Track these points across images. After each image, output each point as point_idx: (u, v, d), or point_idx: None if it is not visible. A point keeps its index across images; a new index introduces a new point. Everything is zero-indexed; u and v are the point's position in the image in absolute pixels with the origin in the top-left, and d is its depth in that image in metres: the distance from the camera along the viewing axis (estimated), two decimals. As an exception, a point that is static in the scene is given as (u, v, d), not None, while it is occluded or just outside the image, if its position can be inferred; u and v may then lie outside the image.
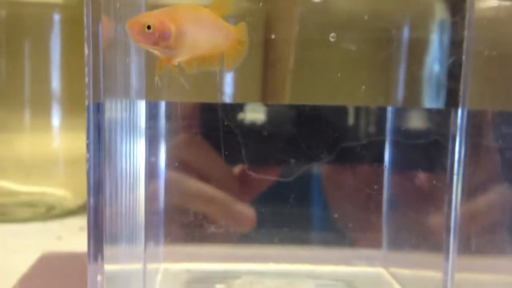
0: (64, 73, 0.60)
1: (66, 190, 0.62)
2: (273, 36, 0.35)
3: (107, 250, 0.27)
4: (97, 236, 0.27)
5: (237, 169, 0.39)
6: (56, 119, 0.61)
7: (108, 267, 0.28)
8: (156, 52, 0.27)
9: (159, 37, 0.25)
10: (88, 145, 0.25)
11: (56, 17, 0.60)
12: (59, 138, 0.62)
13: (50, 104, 0.60)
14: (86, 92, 0.24)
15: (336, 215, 0.40)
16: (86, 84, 0.24)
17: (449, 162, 0.32)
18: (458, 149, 0.32)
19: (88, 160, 0.25)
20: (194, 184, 0.38)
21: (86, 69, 0.23)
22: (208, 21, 0.28)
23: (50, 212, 0.60)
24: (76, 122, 0.61)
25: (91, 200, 0.26)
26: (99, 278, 0.28)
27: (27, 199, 0.60)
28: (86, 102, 0.24)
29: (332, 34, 0.33)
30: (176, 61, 0.28)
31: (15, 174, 0.60)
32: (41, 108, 0.61)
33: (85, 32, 0.23)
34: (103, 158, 0.25)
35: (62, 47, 0.60)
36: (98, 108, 0.25)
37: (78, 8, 0.59)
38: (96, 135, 0.25)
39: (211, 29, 0.28)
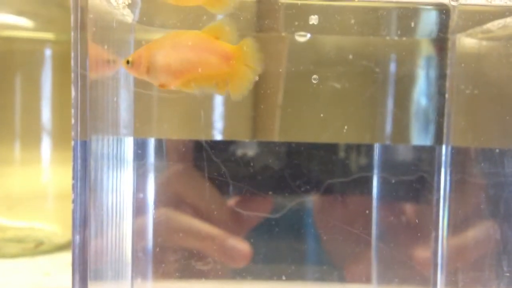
0: (54, 108, 0.61)
1: (55, 225, 0.61)
2: (257, 78, 0.36)
3: (92, 287, 0.27)
4: (82, 273, 0.27)
5: (226, 205, 0.39)
6: (46, 153, 0.61)
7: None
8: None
9: (137, 69, 0.28)
10: (73, 183, 0.25)
11: (48, 52, 0.60)
12: (49, 172, 0.61)
13: (40, 138, 0.60)
14: (72, 133, 0.24)
15: (325, 250, 0.40)
16: (73, 125, 0.24)
17: (434, 197, 0.32)
18: (443, 185, 0.32)
19: (73, 197, 0.25)
20: (185, 220, 0.38)
21: (72, 111, 0.23)
22: (195, 44, 0.28)
23: (39, 247, 0.60)
24: (66, 157, 0.60)
25: (76, 237, 0.26)
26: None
27: (15, 234, 0.60)
28: (72, 142, 0.24)
29: (315, 76, 0.33)
30: (170, 86, 0.28)
31: (3, 209, 0.60)
32: (31, 142, 0.60)
33: (72, 74, 0.23)
34: (89, 195, 0.25)
35: (53, 82, 0.60)
36: (85, 146, 0.25)
37: (69, 44, 0.60)
38: (82, 172, 0.25)
39: (199, 51, 0.28)
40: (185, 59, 0.28)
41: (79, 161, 0.25)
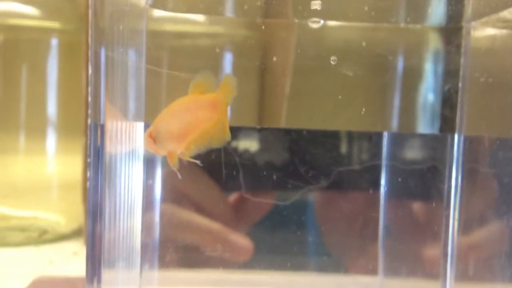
0: (60, 98, 0.60)
1: (59, 214, 0.61)
2: (274, 58, 0.36)
3: (105, 274, 0.27)
4: (95, 258, 0.27)
5: (235, 195, 0.39)
6: (51, 144, 0.61)
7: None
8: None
9: (148, 143, 0.30)
10: (89, 165, 0.25)
11: (54, 42, 0.60)
12: (54, 163, 0.61)
13: (46, 128, 0.60)
14: (89, 111, 0.24)
15: (331, 241, 0.40)
16: (89, 103, 0.24)
17: (446, 188, 0.32)
18: (455, 175, 0.32)
19: (88, 176, 0.25)
20: (189, 215, 0.38)
21: (89, 88, 0.23)
22: (182, 108, 0.30)
23: (43, 236, 0.59)
24: (71, 147, 0.60)
25: (90, 221, 0.25)
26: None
27: (19, 223, 0.60)
28: (88, 121, 0.24)
29: (333, 58, 0.33)
30: (177, 152, 0.30)
31: (8, 198, 0.60)
32: (37, 132, 0.60)
33: (89, 52, 0.23)
34: (104, 178, 0.25)
35: (59, 72, 0.60)
36: (100, 129, 0.25)
37: (75, 33, 0.60)
38: (96, 155, 0.25)
39: (186, 112, 0.30)
40: (182, 123, 0.30)
41: (93, 143, 0.25)
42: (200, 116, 0.30)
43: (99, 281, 0.27)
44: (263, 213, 0.39)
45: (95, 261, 0.27)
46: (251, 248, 0.38)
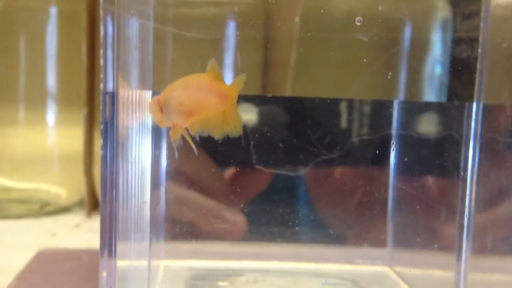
0: (60, 68, 0.59)
1: (60, 187, 0.61)
2: (279, 26, 0.34)
3: (119, 246, 0.26)
4: (110, 231, 0.26)
5: (240, 164, 0.38)
6: (51, 115, 0.60)
7: (118, 263, 0.27)
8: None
9: (154, 111, 0.29)
10: (102, 128, 0.24)
11: (53, 11, 0.59)
12: (54, 134, 0.60)
13: (46, 99, 0.59)
14: (101, 75, 0.23)
15: (340, 213, 0.39)
16: (102, 65, 0.23)
17: (462, 157, 0.32)
18: (472, 145, 0.31)
19: (102, 143, 0.24)
20: (185, 192, 0.38)
21: (101, 50, 0.22)
22: (196, 85, 0.30)
23: (44, 209, 0.59)
24: (72, 118, 0.60)
25: (103, 192, 0.25)
26: (104, 274, 0.27)
27: (20, 195, 0.59)
28: (101, 85, 0.23)
29: (358, 18, 0.32)
30: (182, 126, 0.30)
31: (9, 170, 0.59)
32: (36, 103, 0.59)
33: (101, 11, 0.22)
34: (116, 148, 0.25)
35: (58, 42, 0.59)
36: (112, 96, 0.24)
37: (75, 2, 0.59)
38: (110, 122, 0.24)
39: (200, 91, 0.30)
40: (194, 100, 0.30)
41: (105, 110, 0.24)
42: (210, 99, 0.30)
43: (112, 254, 0.26)
44: (264, 186, 0.38)
45: (106, 233, 0.27)
46: (245, 224, 0.38)
